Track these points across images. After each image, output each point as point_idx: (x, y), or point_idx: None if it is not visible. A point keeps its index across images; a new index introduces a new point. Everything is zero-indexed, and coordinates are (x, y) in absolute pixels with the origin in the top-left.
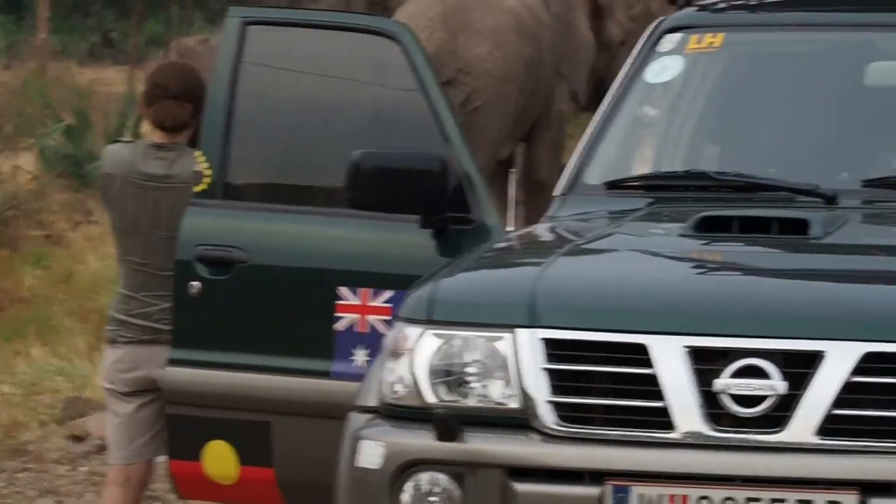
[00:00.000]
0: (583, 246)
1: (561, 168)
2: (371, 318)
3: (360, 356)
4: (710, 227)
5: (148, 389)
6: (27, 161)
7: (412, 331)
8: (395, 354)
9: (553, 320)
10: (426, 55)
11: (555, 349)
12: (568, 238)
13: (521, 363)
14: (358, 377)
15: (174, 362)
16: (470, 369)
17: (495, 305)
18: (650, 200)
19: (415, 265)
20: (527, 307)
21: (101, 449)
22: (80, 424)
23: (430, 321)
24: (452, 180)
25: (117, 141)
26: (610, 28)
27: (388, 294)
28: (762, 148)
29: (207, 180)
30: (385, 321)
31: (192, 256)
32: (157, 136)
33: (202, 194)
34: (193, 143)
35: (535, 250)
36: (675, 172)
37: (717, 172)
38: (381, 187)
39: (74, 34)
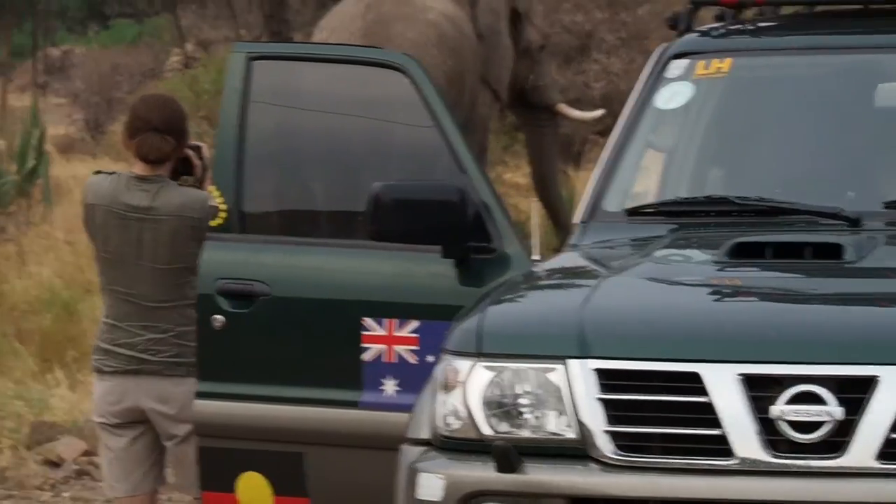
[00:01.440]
0: (621, 274)
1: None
2: (398, 347)
3: (389, 386)
4: (744, 254)
5: (139, 421)
6: None
7: (462, 364)
8: (447, 387)
9: (604, 351)
10: (435, 86)
11: (608, 379)
12: (601, 266)
13: (575, 394)
14: (387, 407)
15: (202, 395)
16: (523, 400)
17: (545, 337)
18: (672, 227)
19: (439, 295)
20: (576, 338)
21: (80, 474)
22: (51, 449)
23: (479, 354)
24: (471, 210)
25: (99, 172)
26: (529, 34)
27: (414, 324)
28: (778, 171)
29: (223, 215)
30: (412, 351)
31: (213, 290)
32: (139, 168)
33: (218, 228)
34: (175, 176)
35: (572, 279)
36: (696, 198)
37: (738, 197)
38: (401, 218)
39: None
